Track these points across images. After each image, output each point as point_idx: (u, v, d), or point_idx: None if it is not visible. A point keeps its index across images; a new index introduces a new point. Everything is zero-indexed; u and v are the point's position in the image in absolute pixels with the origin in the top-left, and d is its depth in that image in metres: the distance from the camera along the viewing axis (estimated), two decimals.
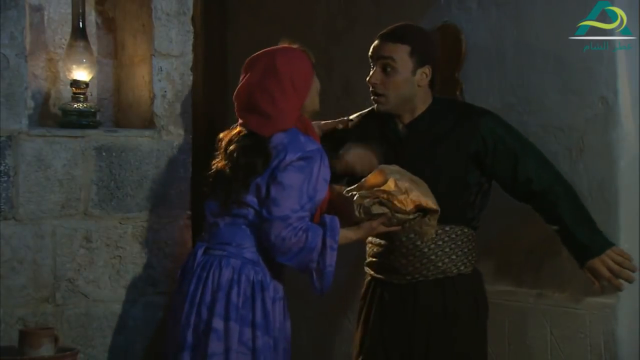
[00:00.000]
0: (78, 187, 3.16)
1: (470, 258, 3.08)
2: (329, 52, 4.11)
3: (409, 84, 3.06)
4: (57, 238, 3.12)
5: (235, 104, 2.96)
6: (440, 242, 3.05)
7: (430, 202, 2.90)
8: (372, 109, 3.18)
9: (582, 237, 2.97)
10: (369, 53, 3.11)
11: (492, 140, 3.02)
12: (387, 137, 3.13)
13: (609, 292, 3.00)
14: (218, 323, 2.83)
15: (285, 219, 2.80)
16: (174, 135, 3.34)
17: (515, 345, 3.31)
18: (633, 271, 2.96)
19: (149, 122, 3.33)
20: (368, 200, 2.90)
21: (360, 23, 4.00)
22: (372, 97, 3.11)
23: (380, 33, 3.10)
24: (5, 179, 3.03)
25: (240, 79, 2.94)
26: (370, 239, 3.18)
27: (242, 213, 2.88)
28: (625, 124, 3.03)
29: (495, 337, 3.29)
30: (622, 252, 2.97)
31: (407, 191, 2.87)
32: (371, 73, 3.09)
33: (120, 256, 3.23)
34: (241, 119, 2.94)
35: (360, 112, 3.27)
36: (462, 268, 3.06)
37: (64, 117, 3.23)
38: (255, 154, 2.85)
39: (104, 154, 3.21)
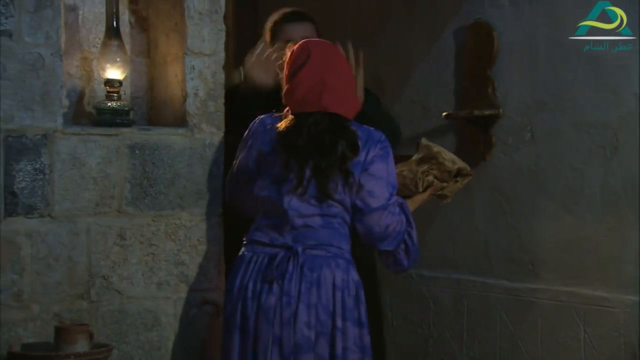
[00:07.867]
0: (112, 184, 3.18)
1: None
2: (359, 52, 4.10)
3: None
4: (92, 235, 3.14)
5: (298, 91, 2.94)
6: None
7: (468, 168, 3.06)
8: None
9: None
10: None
11: None
12: None
13: None
14: (339, 323, 2.85)
15: (385, 208, 2.88)
16: (207, 133, 3.35)
17: (548, 344, 3.30)
18: None
19: (181, 120, 3.34)
20: (430, 176, 3.03)
21: (392, 22, 3.99)
22: None
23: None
24: (41, 177, 3.05)
25: (293, 68, 2.96)
26: None
27: (334, 212, 2.91)
28: None
29: (528, 336, 3.27)
30: None
31: (454, 161, 3.02)
32: None
33: (153, 253, 3.25)
34: (307, 104, 2.91)
35: None
36: None
37: (98, 115, 3.25)
38: (344, 138, 2.88)
39: (137, 152, 3.23)
